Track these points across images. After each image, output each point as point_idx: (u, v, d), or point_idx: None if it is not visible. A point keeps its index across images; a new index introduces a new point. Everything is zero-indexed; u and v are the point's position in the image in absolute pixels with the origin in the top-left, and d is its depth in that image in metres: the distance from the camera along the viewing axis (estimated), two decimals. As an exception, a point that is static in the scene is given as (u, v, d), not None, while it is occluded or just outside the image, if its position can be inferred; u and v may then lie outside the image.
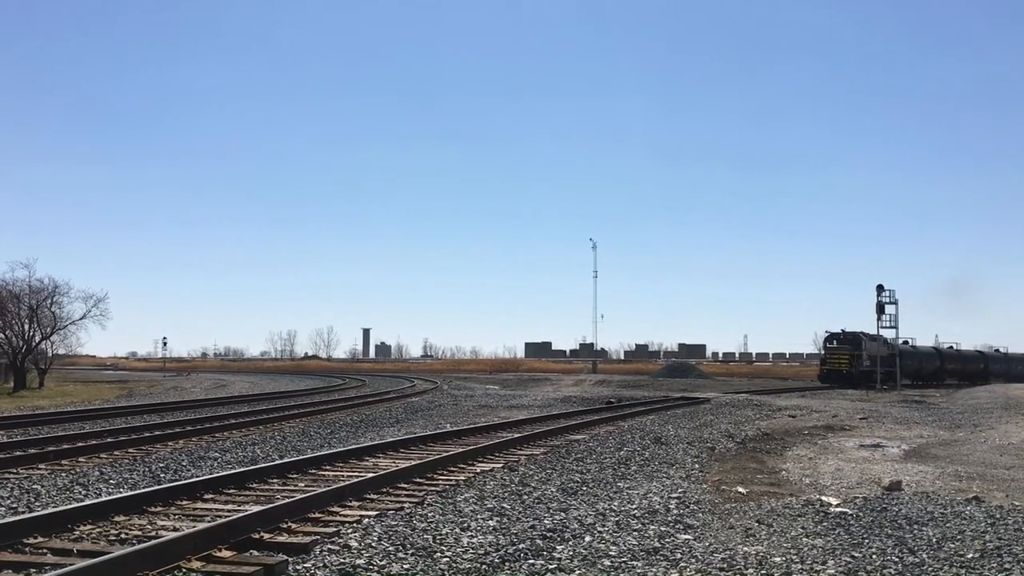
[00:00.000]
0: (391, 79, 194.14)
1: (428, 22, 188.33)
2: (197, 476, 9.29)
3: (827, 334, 46.32)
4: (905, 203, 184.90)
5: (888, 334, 43.29)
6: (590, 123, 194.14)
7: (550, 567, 5.72)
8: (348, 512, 7.40)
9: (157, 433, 14.07)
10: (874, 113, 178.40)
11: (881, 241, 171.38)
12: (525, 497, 8.45)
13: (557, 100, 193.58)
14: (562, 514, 7.58)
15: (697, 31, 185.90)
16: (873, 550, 6.38)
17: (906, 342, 45.75)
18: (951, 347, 54.85)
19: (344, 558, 5.79)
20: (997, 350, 59.42)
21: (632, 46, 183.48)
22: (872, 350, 43.32)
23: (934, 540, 6.73)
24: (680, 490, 9.13)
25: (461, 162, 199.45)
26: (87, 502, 7.27)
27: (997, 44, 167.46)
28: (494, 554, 6.01)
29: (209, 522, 6.48)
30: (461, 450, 11.51)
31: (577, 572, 5.64)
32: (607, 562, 5.89)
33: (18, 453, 11.13)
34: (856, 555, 6.20)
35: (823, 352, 46.86)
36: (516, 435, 14.02)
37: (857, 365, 43.38)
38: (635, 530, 6.96)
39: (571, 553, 6.10)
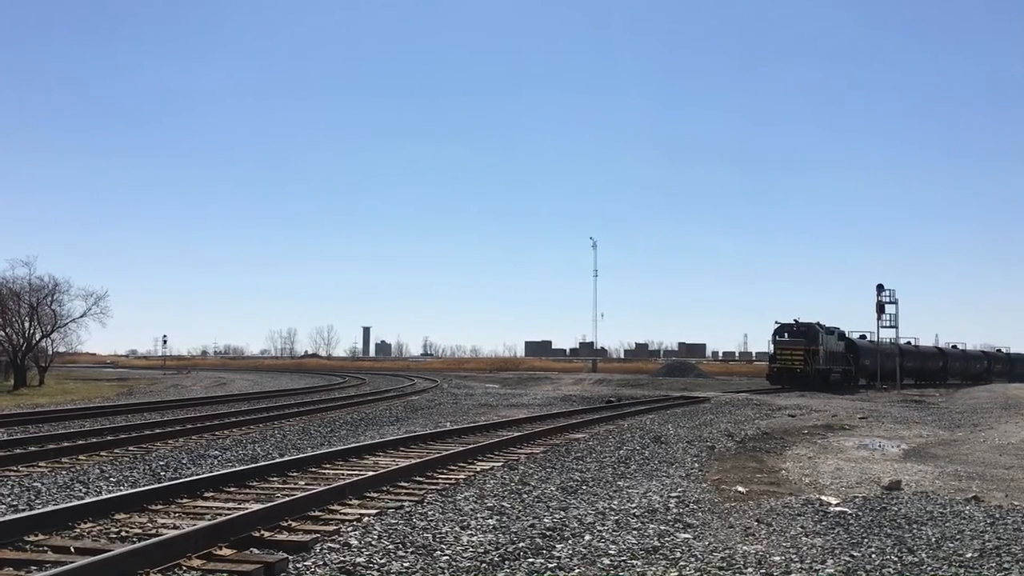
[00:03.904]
0: (392, 78, 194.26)
1: (429, 21, 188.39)
2: (197, 474, 9.29)
3: (777, 325, 39.10)
4: (905, 203, 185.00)
5: (888, 334, 42.86)
6: (591, 122, 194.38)
7: (550, 566, 5.73)
8: (348, 510, 7.40)
9: (157, 431, 14.09)
10: (874, 113, 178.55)
11: (881, 240, 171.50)
12: (525, 496, 8.46)
13: (558, 99, 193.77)
14: (562, 513, 7.58)
15: (698, 30, 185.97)
16: (872, 549, 6.39)
17: (863, 336, 42.31)
18: (909, 343, 49.89)
19: (344, 556, 5.79)
20: (954, 347, 56.22)
21: (633, 45, 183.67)
22: (830, 345, 38.89)
23: (933, 540, 6.74)
24: (680, 489, 9.14)
25: (462, 161, 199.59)
26: (88, 500, 7.27)
27: (997, 43, 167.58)
28: (494, 553, 6.02)
29: (209, 520, 6.50)
30: (461, 449, 11.52)
31: (577, 571, 5.65)
32: (607, 561, 5.90)
33: (19, 451, 11.14)
34: (855, 554, 6.21)
35: (772, 347, 39.23)
36: (516, 434, 14.04)
37: (813, 362, 37.38)
38: (635, 529, 6.97)
39: (571, 552, 6.11)
